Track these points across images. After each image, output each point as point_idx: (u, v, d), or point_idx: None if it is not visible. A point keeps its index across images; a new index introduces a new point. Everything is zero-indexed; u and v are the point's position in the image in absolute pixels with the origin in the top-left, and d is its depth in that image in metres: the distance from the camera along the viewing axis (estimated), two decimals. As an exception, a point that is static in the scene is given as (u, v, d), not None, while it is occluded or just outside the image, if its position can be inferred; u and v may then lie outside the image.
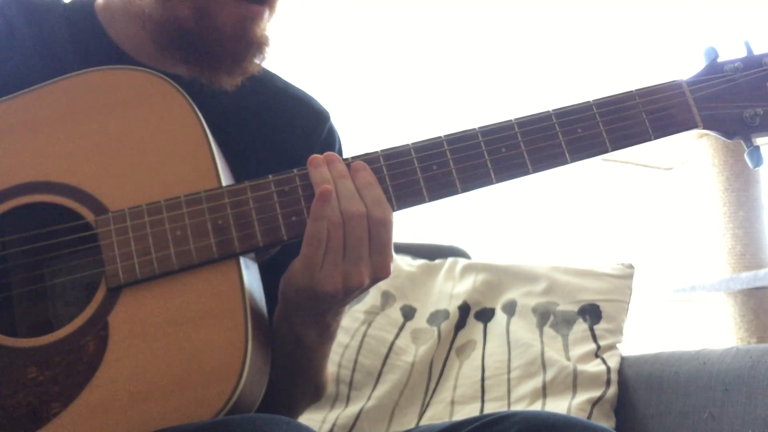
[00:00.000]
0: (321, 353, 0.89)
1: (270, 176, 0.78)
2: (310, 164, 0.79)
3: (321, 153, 0.80)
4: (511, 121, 0.82)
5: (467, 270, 1.52)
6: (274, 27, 0.89)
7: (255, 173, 0.79)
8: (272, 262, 0.84)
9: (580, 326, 1.41)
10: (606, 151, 0.82)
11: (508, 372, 1.38)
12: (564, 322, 1.42)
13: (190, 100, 0.80)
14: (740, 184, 2.66)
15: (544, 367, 1.36)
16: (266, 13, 0.88)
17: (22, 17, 0.93)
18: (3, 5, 0.94)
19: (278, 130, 0.98)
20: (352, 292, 0.77)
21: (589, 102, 0.83)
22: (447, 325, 1.46)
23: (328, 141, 1.02)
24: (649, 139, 0.83)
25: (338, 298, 0.78)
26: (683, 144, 2.86)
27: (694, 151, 2.77)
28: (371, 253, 0.77)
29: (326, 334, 0.86)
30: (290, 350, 0.85)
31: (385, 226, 0.77)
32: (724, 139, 0.86)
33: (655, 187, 3.73)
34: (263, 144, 0.95)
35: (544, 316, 1.44)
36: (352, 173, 0.79)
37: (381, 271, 0.78)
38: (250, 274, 0.77)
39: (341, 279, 0.76)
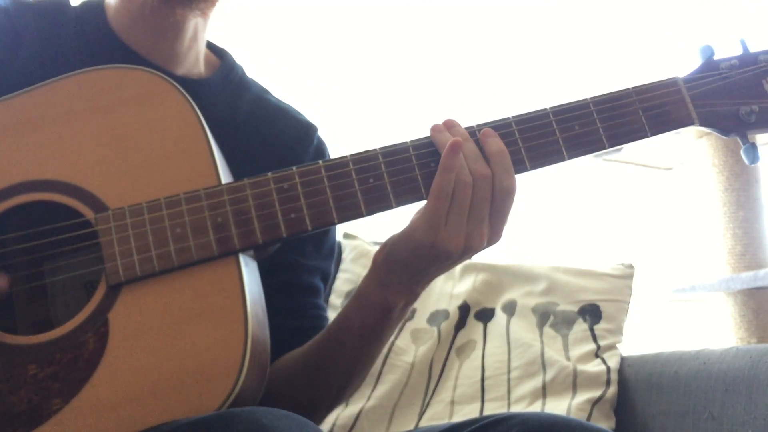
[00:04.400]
0: (391, 332, 0.90)
1: (269, 174, 0.78)
2: (433, 130, 0.81)
3: None
4: (508, 118, 0.82)
5: (467, 270, 1.52)
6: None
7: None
8: (271, 262, 0.85)
9: (580, 326, 1.41)
10: (603, 148, 0.83)
11: (508, 372, 1.38)
12: (564, 322, 1.43)
13: (191, 100, 0.80)
14: (740, 184, 2.65)
15: (544, 367, 1.36)
16: None
17: (29, 20, 0.94)
18: (10, 8, 0.95)
19: (267, 142, 1.00)
20: (469, 252, 0.79)
21: (586, 99, 0.84)
22: (447, 325, 1.46)
23: (318, 152, 1.04)
24: (646, 136, 0.83)
25: (453, 259, 0.80)
26: (683, 144, 2.86)
27: (694, 151, 2.76)
28: (491, 217, 0.79)
29: (407, 308, 0.88)
30: (371, 323, 0.86)
31: (510, 195, 0.80)
32: (721, 137, 0.86)
33: (655, 187, 3.73)
34: (252, 154, 0.96)
35: (544, 316, 1.44)
36: (482, 139, 0.81)
37: (496, 235, 0.80)
38: (250, 272, 0.77)
39: (464, 238, 0.78)
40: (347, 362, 0.89)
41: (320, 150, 1.05)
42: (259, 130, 1.00)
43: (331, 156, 1.05)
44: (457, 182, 0.78)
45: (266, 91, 1.07)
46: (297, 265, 1.00)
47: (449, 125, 0.82)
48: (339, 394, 0.94)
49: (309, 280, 1.01)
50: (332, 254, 1.06)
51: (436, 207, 0.78)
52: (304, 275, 1.01)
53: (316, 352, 0.91)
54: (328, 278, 1.06)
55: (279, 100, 1.07)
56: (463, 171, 0.78)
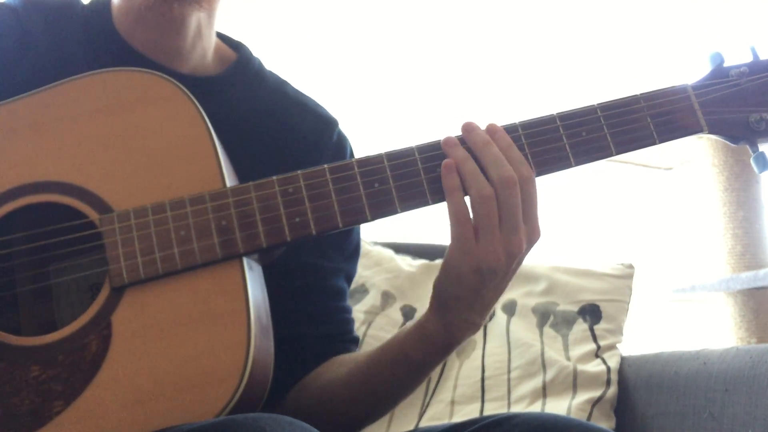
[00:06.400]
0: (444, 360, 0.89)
1: (274, 177, 0.78)
2: (446, 145, 0.79)
3: (331, 160, 0.79)
4: (515, 124, 0.82)
5: (467, 269, 1.52)
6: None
7: (260, 178, 0.79)
8: (292, 267, 0.84)
9: (580, 326, 1.42)
10: (611, 155, 0.82)
11: (508, 372, 1.38)
12: (564, 322, 1.43)
13: (197, 102, 0.80)
14: (740, 184, 2.66)
15: (544, 367, 1.36)
16: None
17: (37, 20, 0.93)
18: (19, 8, 0.94)
19: (285, 136, 0.98)
20: (514, 260, 0.77)
21: (593, 106, 0.83)
22: (447, 325, 1.46)
23: (339, 147, 1.02)
24: (654, 143, 0.83)
25: (501, 274, 0.77)
26: (683, 144, 2.87)
27: (694, 151, 2.77)
28: (524, 217, 0.77)
29: (467, 339, 0.86)
30: (432, 359, 0.84)
31: (531, 182, 0.78)
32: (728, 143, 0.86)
33: (655, 187, 3.74)
34: (270, 150, 0.95)
35: (544, 316, 1.45)
36: (488, 133, 0.79)
37: (534, 234, 0.78)
38: (254, 275, 0.77)
39: (502, 249, 0.76)
40: (397, 390, 0.88)
41: (341, 146, 1.02)
42: (276, 126, 0.98)
43: (354, 152, 1.03)
44: (477, 197, 0.76)
45: (285, 84, 1.04)
46: (319, 269, 0.98)
47: (468, 129, 0.80)
48: (377, 416, 0.93)
49: (332, 283, 0.99)
50: (356, 255, 1.03)
51: (461, 232, 0.76)
52: (328, 278, 0.99)
53: (364, 377, 0.89)
54: (352, 279, 1.04)
55: (299, 93, 1.04)
56: (481, 185, 0.77)
